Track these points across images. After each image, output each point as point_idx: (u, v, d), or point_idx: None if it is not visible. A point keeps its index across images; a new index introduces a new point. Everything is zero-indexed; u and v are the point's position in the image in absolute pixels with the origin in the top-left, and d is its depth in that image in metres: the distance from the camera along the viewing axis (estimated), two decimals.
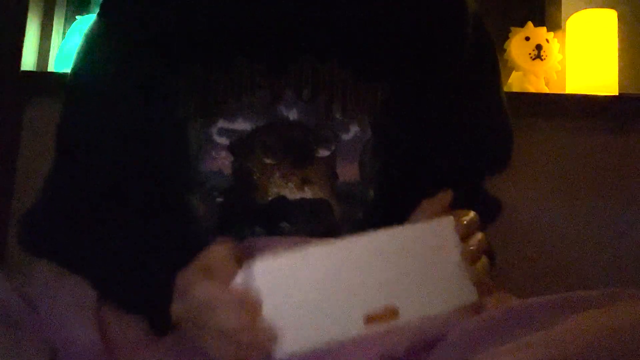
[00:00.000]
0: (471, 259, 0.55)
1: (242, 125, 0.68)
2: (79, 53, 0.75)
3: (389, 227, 0.52)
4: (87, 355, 0.57)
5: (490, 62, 0.81)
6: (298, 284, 0.49)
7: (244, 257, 0.52)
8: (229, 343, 0.49)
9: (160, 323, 0.60)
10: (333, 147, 0.68)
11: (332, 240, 0.51)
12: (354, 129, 0.69)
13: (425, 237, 0.52)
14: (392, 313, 0.49)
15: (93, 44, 0.74)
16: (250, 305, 0.48)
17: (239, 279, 0.50)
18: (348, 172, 0.69)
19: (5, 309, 0.58)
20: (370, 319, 0.49)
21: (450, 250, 0.52)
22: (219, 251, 0.54)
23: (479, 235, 0.58)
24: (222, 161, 0.67)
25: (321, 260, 0.49)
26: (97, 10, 0.76)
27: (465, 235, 0.55)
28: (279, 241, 0.61)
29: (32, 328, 0.58)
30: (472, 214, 0.58)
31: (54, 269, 0.65)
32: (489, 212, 0.77)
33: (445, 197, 0.58)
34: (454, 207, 0.60)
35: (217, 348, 0.50)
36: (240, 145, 0.67)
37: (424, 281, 0.51)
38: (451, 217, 0.53)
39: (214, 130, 0.67)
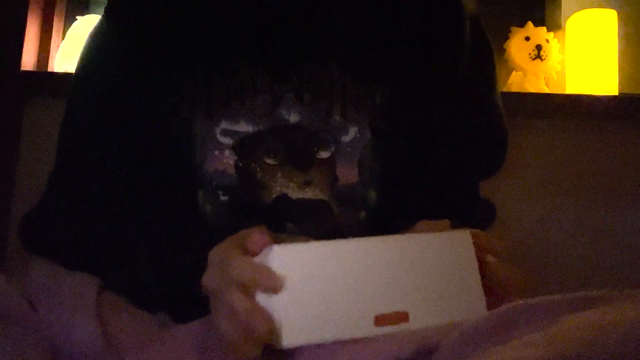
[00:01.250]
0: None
1: (244, 127, 0.68)
2: (83, 53, 0.76)
3: (407, 233, 0.53)
4: (87, 352, 0.57)
5: (488, 65, 0.81)
6: (313, 274, 0.49)
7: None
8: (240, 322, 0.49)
9: (174, 313, 0.60)
10: (333, 149, 0.69)
11: (351, 238, 0.52)
12: (353, 131, 0.69)
13: (443, 247, 0.53)
14: (402, 317, 0.50)
15: (98, 44, 0.75)
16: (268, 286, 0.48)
17: (256, 261, 0.50)
18: (347, 173, 0.69)
19: (5, 308, 0.58)
20: (380, 321, 0.49)
21: (466, 262, 0.53)
22: (253, 228, 0.54)
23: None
24: (226, 160, 0.68)
25: (339, 255, 0.50)
26: (99, 10, 0.77)
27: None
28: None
29: (33, 326, 0.58)
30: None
31: (53, 266, 0.66)
32: (484, 217, 0.77)
33: (444, 224, 0.58)
34: (451, 212, 0.61)
35: (231, 327, 0.49)
36: (243, 146, 0.68)
37: (437, 290, 0.52)
38: (468, 231, 0.54)
39: (218, 130, 0.68)
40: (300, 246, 0.49)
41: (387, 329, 0.49)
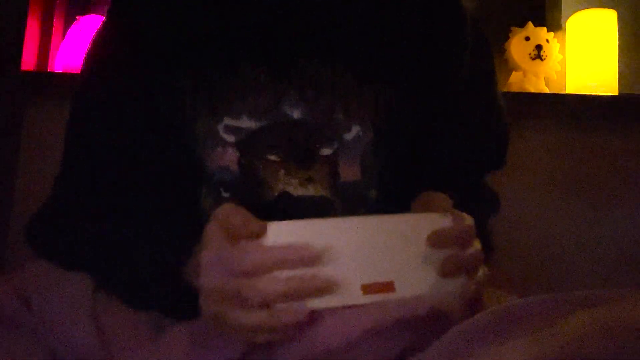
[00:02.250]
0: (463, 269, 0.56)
1: (247, 123, 0.68)
2: (88, 53, 0.76)
3: (393, 214, 0.56)
4: (84, 353, 0.57)
5: (488, 65, 0.81)
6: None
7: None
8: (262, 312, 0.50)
9: (176, 314, 0.60)
10: (335, 146, 0.69)
11: (341, 217, 0.54)
12: (356, 129, 0.70)
13: (426, 226, 0.55)
14: (388, 286, 0.52)
15: (102, 44, 0.75)
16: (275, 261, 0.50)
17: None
18: (349, 171, 0.69)
19: (3, 310, 0.58)
20: (367, 289, 0.51)
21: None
22: (230, 208, 0.54)
23: (475, 246, 0.58)
24: (228, 157, 0.68)
25: (330, 231, 0.52)
26: (99, 10, 0.77)
27: (459, 240, 0.56)
28: None
29: (29, 327, 0.58)
30: (468, 221, 0.58)
31: (49, 267, 0.66)
32: (488, 205, 0.78)
33: (446, 200, 0.60)
34: (455, 203, 0.62)
35: (246, 317, 0.50)
36: (245, 143, 0.68)
37: (420, 264, 0.54)
38: (448, 213, 0.56)
39: (220, 127, 0.68)
40: (293, 223, 0.52)
41: (375, 297, 0.52)
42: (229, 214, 0.54)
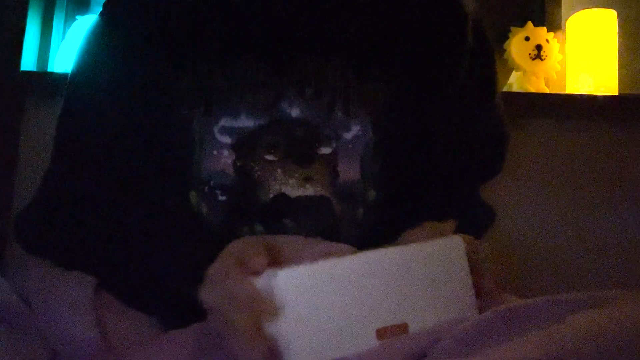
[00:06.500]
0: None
1: (244, 122, 0.68)
2: (80, 50, 0.75)
3: (401, 245, 0.54)
4: (86, 353, 0.57)
5: (489, 67, 0.81)
6: (317, 295, 0.50)
7: (272, 251, 0.53)
8: (255, 342, 0.49)
9: (167, 317, 0.60)
10: (334, 145, 0.69)
11: (349, 254, 0.53)
12: (356, 128, 0.69)
13: (437, 254, 0.54)
14: (402, 329, 0.51)
15: (95, 41, 0.75)
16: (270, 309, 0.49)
17: (259, 284, 0.51)
18: (349, 170, 0.69)
19: (5, 309, 0.58)
20: (381, 334, 0.50)
21: (459, 267, 0.54)
22: (250, 242, 0.54)
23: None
24: (224, 160, 0.68)
25: (339, 273, 0.51)
26: (98, 9, 0.77)
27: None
28: (301, 241, 0.61)
29: (31, 328, 0.58)
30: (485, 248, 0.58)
31: (50, 267, 0.66)
32: (483, 219, 0.78)
33: (450, 226, 0.59)
34: (450, 214, 0.62)
35: (241, 346, 0.50)
36: (242, 143, 0.68)
37: (433, 298, 0.53)
38: (459, 237, 0.55)
39: (216, 129, 0.68)
40: (303, 269, 0.50)
41: (388, 340, 0.50)
42: (243, 245, 0.53)
